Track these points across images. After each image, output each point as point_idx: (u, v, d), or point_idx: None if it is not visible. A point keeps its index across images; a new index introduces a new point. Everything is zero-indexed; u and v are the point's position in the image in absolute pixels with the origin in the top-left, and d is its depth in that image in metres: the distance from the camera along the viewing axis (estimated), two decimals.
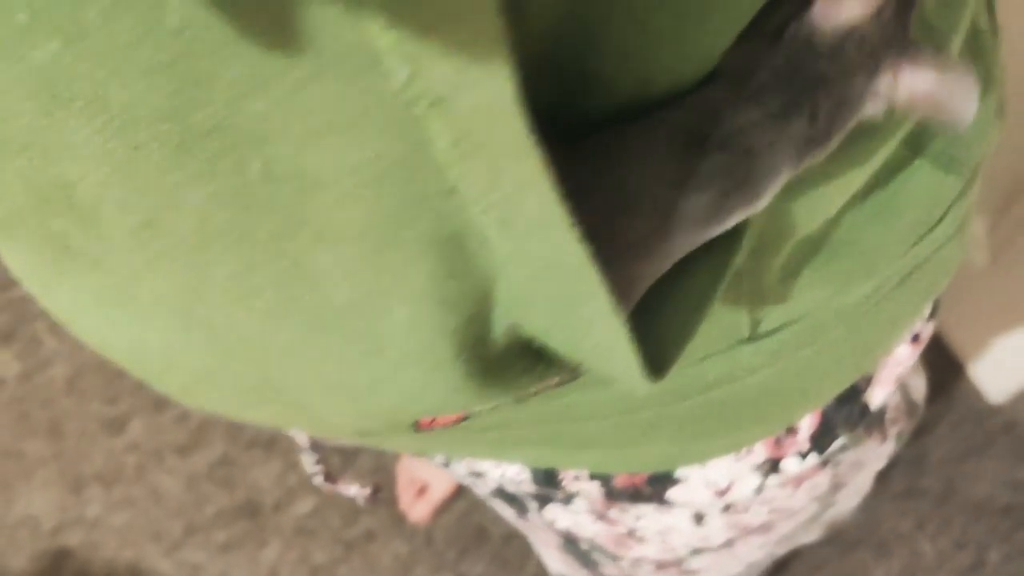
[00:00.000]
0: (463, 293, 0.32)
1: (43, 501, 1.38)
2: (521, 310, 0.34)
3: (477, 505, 1.37)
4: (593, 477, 0.56)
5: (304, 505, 1.37)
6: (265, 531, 1.36)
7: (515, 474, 0.57)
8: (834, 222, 0.45)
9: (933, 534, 1.37)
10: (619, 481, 0.55)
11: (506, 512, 0.67)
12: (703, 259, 0.36)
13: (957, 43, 0.41)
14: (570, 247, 0.29)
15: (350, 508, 1.36)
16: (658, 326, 0.36)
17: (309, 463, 0.64)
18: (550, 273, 0.31)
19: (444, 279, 0.32)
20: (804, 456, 0.56)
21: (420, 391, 0.36)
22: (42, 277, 0.37)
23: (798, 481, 0.58)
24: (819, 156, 0.33)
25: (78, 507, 1.38)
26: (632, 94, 0.31)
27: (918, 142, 0.45)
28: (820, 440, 0.56)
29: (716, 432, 0.52)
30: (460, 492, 1.37)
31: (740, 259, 0.37)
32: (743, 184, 0.31)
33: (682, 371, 0.46)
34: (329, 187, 0.29)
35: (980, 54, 0.47)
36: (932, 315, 0.58)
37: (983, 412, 1.41)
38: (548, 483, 0.57)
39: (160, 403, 1.40)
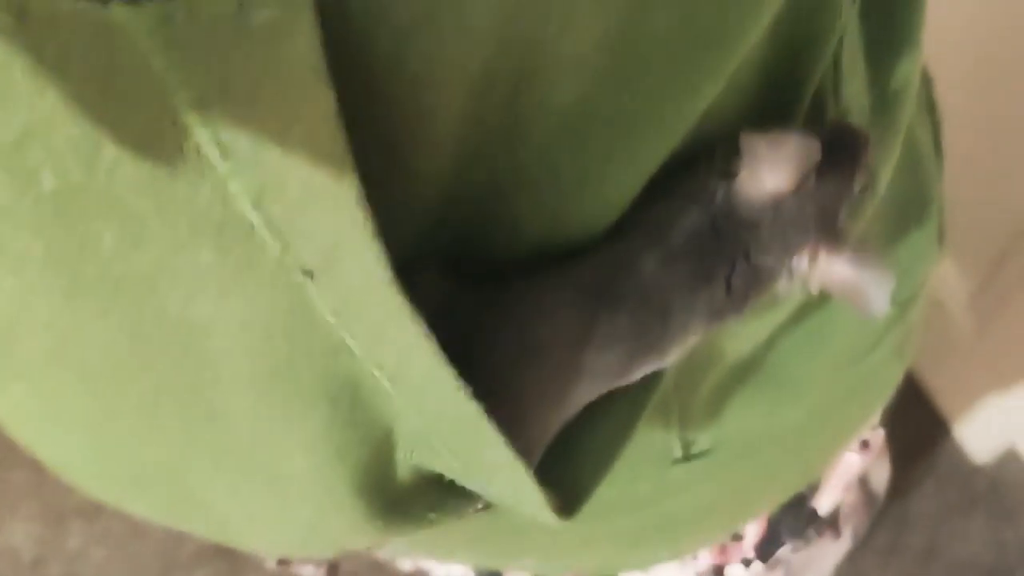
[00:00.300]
0: (360, 439, 0.32)
1: (24, 533, 1.38)
2: (424, 452, 0.34)
3: None
4: None
5: None
6: (243, 572, 1.36)
7: (459, 572, 0.57)
8: (764, 347, 0.45)
9: None
10: None
11: None
12: (620, 397, 0.36)
13: (886, 176, 0.41)
14: (461, 405, 0.29)
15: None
16: (573, 462, 0.36)
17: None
18: (447, 424, 0.31)
19: (339, 428, 0.32)
20: (748, 564, 0.55)
21: (324, 527, 0.36)
22: None
23: None
24: (729, 323, 0.32)
25: (59, 540, 1.38)
26: (542, 237, 0.31)
27: None
28: (765, 548, 0.56)
29: (656, 542, 0.52)
30: None
31: (657, 395, 0.37)
32: (653, 345, 0.31)
33: (613, 490, 0.46)
34: (220, 336, 0.29)
35: (922, 180, 0.47)
36: (884, 422, 0.58)
37: (968, 472, 1.40)
38: None
39: None
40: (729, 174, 0.31)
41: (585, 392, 0.32)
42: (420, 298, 0.27)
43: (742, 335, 0.42)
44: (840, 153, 0.33)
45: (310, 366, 0.30)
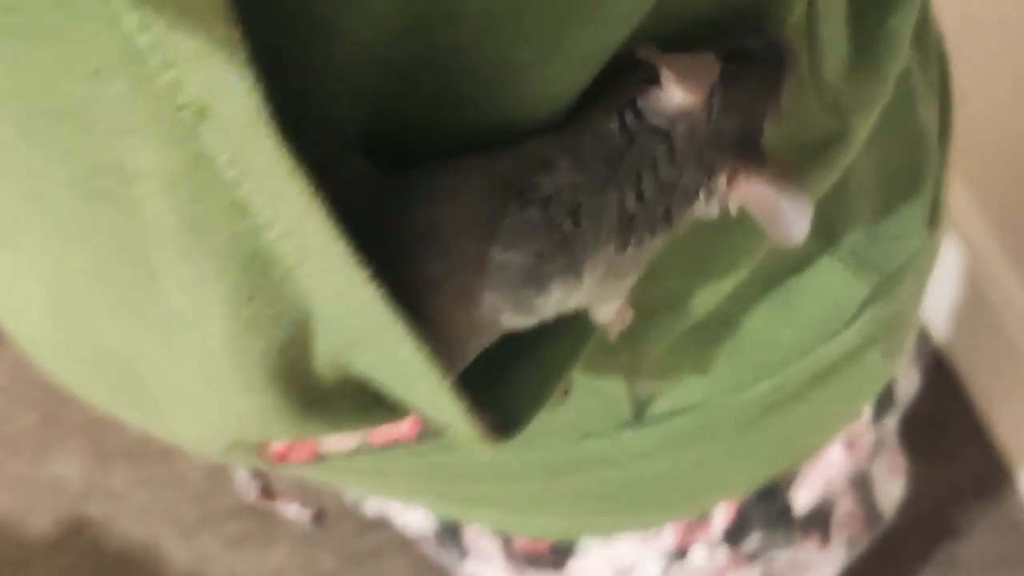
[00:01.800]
0: (273, 316, 0.31)
1: (72, 466, 1.42)
2: (344, 347, 0.32)
3: None
4: (495, 535, 0.54)
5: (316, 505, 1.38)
6: (275, 531, 1.38)
7: (418, 522, 0.57)
8: (727, 309, 0.43)
9: None
10: (520, 544, 0.54)
11: (428, 547, 0.66)
12: (559, 329, 0.34)
13: (864, 125, 0.39)
14: (360, 290, 0.28)
15: (360, 523, 1.36)
16: (508, 388, 0.35)
17: (243, 477, 0.64)
18: (355, 315, 0.30)
19: (250, 297, 0.30)
20: (714, 547, 0.54)
21: (244, 411, 0.35)
22: None
23: (715, 573, 0.56)
24: (654, 242, 0.31)
25: (104, 478, 1.41)
26: (484, 127, 0.30)
27: (828, 236, 0.43)
28: (734, 534, 0.54)
29: (615, 511, 0.51)
30: None
31: (599, 333, 0.35)
32: (560, 249, 0.30)
33: (561, 447, 0.45)
34: (143, 183, 0.28)
35: (918, 153, 0.45)
36: (877, 419, 0.56)
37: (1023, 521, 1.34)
38: (451, 536, 0.56)
39: None
40: (640, 85, 0.29)
41: (495, 300, 0.31)
42: (341, 184, 0.26)
43: (699, 290, 0.40)
44: (768, 70, 0.31)
45: (219, 225, 0.28)
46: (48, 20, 0.24)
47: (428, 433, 0.38)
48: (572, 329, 0.35)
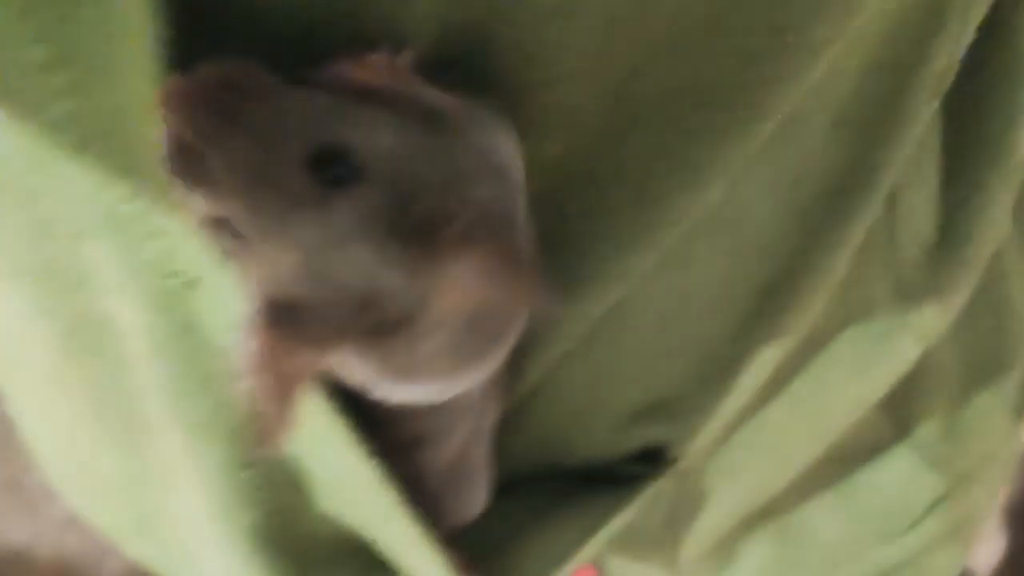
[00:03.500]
0: (265, 484, 0.30)
1: None
2: (339, 509, 0.31)
3: None
4: None
5: None
6: None
7: None
8: (785, 501, 0.41)
9: None
10: None
11: None
12: (576, 512, 0.34)
13: (939, 317, 0.37)
14: (360, 464, 0.27)
15: None
16: (517, 561, 0.34)
17: None
18: (352, 484, 0.29)
19: (240, 467, 0.29)
20: None
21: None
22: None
23: None
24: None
25: None
26: None
27: (901, 426, 0.40)
28: None
29: None
30: None
31: (620, 520, 0.35)
32: None
33: None
34: (131, 341, 0.28)
35: (1005, 339, 0.41)
36: None
37: None
38: None
39: None
40: None
41: None
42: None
43: (741, 480, 0.38)
44: None
45: (204, 393, 0.28)
46: (30, 182, 0.24)
47: None
48: (588, 512, 0.34)
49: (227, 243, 0.22)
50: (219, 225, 0.22)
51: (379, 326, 0.22)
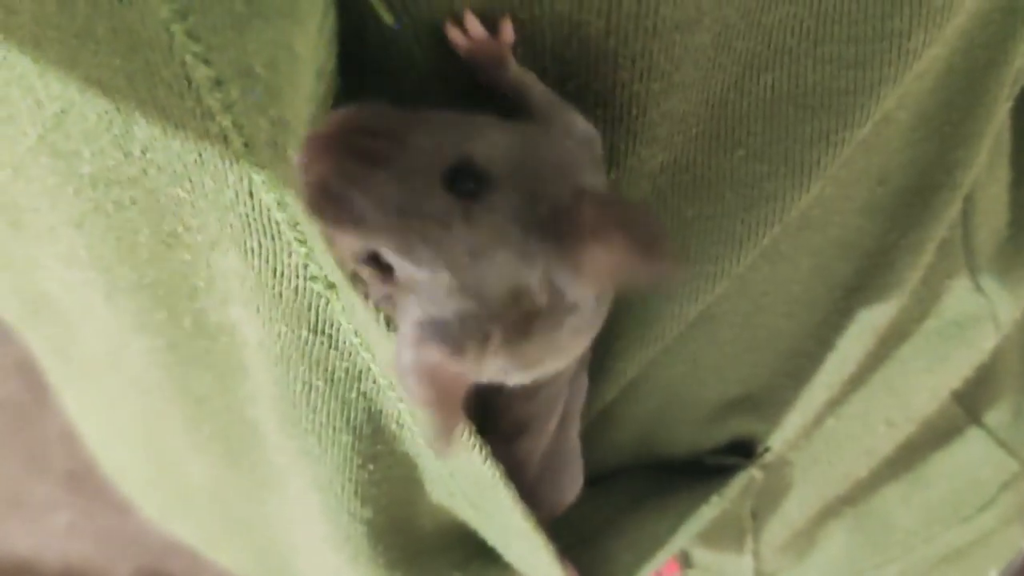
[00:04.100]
0: (381, 477, 0.31)
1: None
2: (448, 501, 0.32)
3: None
4: None
5: None
6: None
7: None
8: (862, 489, 0.42)
9: None
10: None
11: None
12: (669, 502, 0.35)
13: (1014, 308, 0.37)
14: (476, 459, 0.28)
15: None
16: (606, 553, 0.35)
17: None
18: (466, 477, 0.30)
19: (358, 466, 0.30)
20: None
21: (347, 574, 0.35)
22: (56, 374, 0.38)
23: None
24: None
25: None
26: None
27: (973, 413, 0.41)
28: None
29: None
30: None
31: (713, 510, 0.35)
32: None
33: None
34: (252, 348, 0.28)
35: None
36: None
37: None
38: None
39: None
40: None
41: None
42: None
43: (824, 471, 0.39)
44: None
45: (332, 390, 0.29)
46: (176, 191, 0.24)
47: None
48: (681, 502, 0.35)
49: (377, 275, 0.23)
50: (368, 259, 0.23)
51: (522, 322, 0.23)
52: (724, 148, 0.29)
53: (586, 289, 0.23)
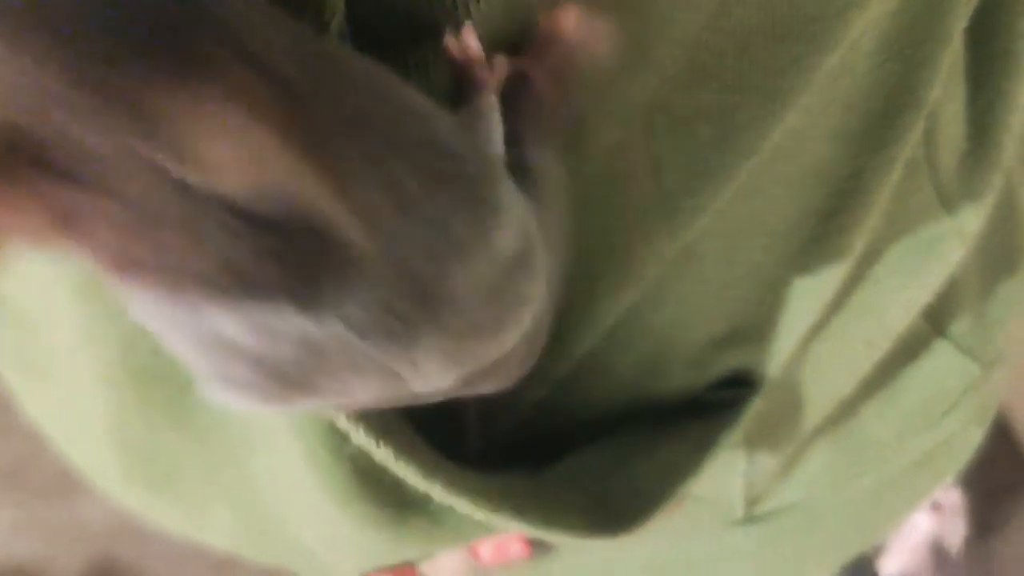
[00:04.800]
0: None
1: (100, 508, 1.41)
2: None
3: None
4: None
5: None
6: None
7: None
8: (841, 411, 0.42)
9: None
10: None
11: None
12: (680, 436, 0.35)
13: (977, 218, 0.38)
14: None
15: None
16: (626, 484, 0.35)
17: None
18: None
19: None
20: None
21: (346, 530, 0.34)
22: (18, 382, 0.38)
23: None
24: None
25: (132, 518, 1.40)
26: None
27: (939, 325, 0.43)
28: None
29: None
30: None
31: (729, 436, 0.36)
32: None
33: (667, 546, 0.45)
34: None
35: (1014, 230, 0.44)
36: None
37: None
38: None
39: None
40: None
41: None
42: None
43: (811, 394, 0.40)
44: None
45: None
46: None
47: (541, 550, 0.38)
48: (693, 435, 0.36)
49: None
50: None
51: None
52: (701, 84, 0.29)
53: None
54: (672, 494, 0.35)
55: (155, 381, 0.32)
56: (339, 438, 0.30)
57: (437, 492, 0.30)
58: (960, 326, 0.43)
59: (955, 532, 0.66)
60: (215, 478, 0.36)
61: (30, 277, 0.29)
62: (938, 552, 0.62)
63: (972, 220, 0.38)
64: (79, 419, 0.36)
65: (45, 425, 0.40)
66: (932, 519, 0.53)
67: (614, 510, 0.34)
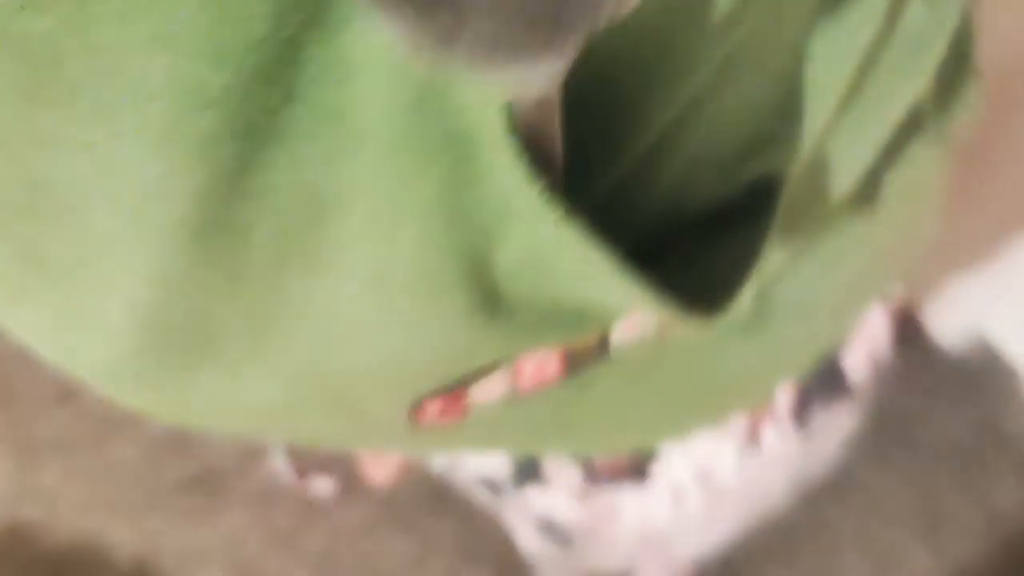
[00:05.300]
0: (475, 203, 0.30)
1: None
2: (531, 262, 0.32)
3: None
4: (575, 461, 0.55)
5: (264, 469, 1.36)
6: (227, 496, 1.35)
7: (495, 462, 0.57)
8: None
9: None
10: (600, 463, 0.55)
11: (481, 494, 0.66)
12: (727, 236, 0.37)
13: (940, 47, 0.41)
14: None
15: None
16: (706, 271, 0.36)
17: (282, 463, 0.63)
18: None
19: (456, 189, 0.29)
20: (783, 430, 0.56)
21: (423, 326, 0.33)
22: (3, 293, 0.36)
23: (777, 455, 0.58)
24: None
25: (34, 477, 1.36)
26: None
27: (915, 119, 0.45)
28: (800, 413, 0.56)
29: (696, 405, 0.52)
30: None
31: (776, 220, 0.37)
32: None
33: (682, 359, 0.46)
34: None
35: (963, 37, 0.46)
36: None
37: (934, 355, 1.43)
38: (528, 470, 0.57)
39: None
40: None
41: None
42: None
43: (824, 186, 0.42)
44: None
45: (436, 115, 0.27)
46: None
47: (576, 368, 0.39)
48: (740, 232, 0.37)
49: None
50: None
51: None
52: None
53: None
54: (750, 275, 0.36)
55: (225, 233, 0.30)
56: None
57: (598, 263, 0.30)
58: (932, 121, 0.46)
59: (882, 341, 0.69)
60: (263, 330, 0.35)
61: (95, 145, 0.27)
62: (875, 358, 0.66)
63: (952, 15, 0.40)
64: (93, 318, 0.35)
65: (35, 340, 0.38)
66: (882, 312, 0.56)
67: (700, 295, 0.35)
